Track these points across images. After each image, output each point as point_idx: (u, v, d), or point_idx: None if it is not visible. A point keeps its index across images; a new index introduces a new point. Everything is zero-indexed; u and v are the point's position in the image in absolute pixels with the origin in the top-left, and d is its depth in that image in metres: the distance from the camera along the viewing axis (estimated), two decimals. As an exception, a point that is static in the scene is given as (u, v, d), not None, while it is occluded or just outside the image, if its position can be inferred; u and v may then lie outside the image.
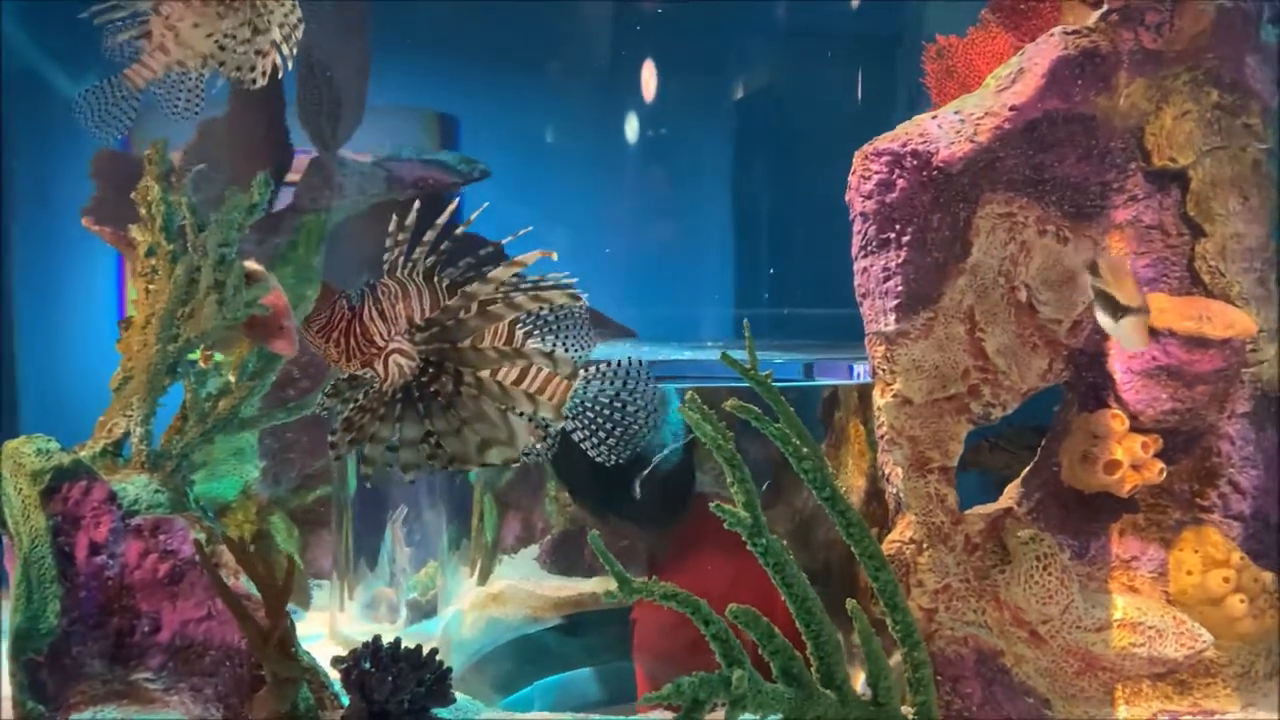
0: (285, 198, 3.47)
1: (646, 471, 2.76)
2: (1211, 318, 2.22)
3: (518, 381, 1.77)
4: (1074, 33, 2.20)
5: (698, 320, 4.11)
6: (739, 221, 4.20)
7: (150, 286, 2.21)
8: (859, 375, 2.79)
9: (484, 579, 3.05)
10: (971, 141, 2.18)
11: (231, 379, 2.29)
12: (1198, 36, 2.24)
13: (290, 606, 3.20)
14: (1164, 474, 2.24)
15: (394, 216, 1.75)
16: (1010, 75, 2.22)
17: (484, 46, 3.93)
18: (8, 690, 1.96)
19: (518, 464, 1.78)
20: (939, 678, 2.22)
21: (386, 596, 3.07)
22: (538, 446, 1.82)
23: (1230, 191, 2.29)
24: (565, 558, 3.10)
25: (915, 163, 2.19)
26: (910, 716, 1.95)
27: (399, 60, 3.83)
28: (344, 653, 1.89)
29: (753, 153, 4.16)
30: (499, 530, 3.10)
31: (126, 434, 2.16)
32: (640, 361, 1.86)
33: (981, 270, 2.25)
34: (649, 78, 3.85)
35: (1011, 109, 2.19)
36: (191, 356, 2.26)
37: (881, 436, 2.26)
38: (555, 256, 1.68)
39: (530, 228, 1.79)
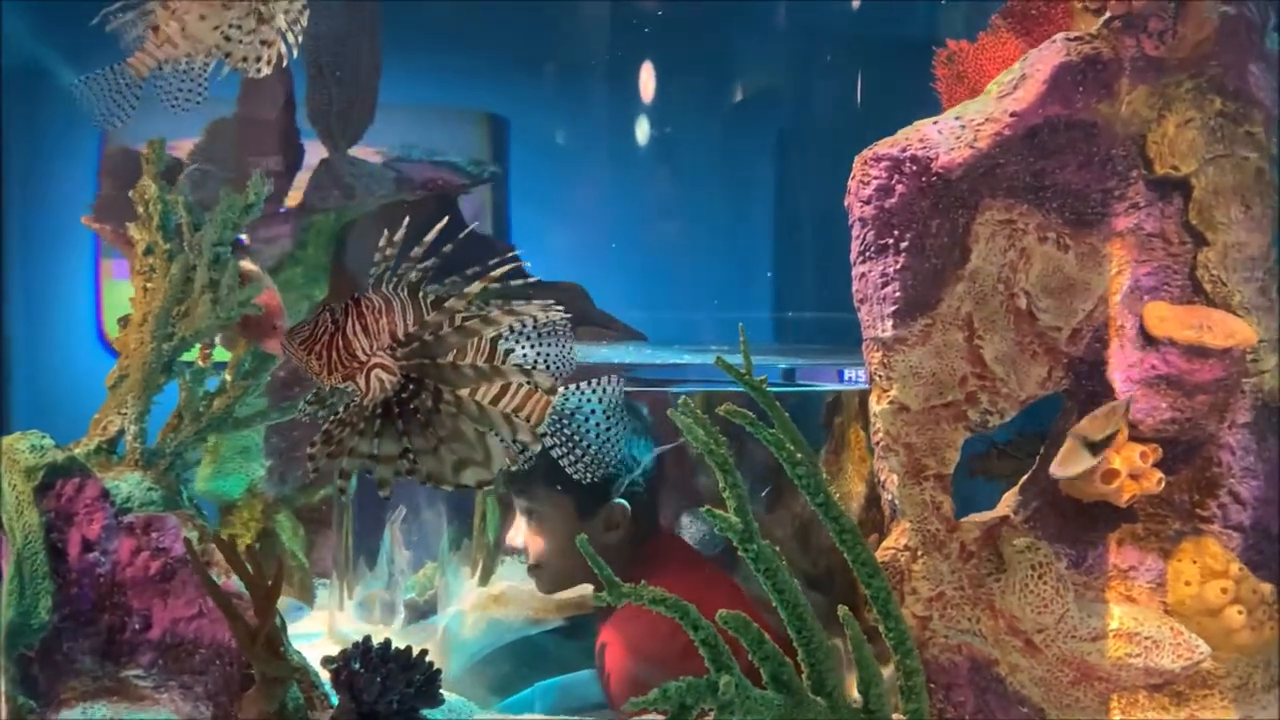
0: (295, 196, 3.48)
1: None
2: (1212, 327, 2.20)
3: (499, 396, 1.77)
4: (1076, 39, 2.20)
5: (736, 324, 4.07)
6: (780, 224, 4.17)
7: (148, 285, 2.22)
8: (851, 380, 2.78)
9: (485, 580, 3.06)
10: (971, 147, 2.17)
11: (227, 378, 2.30)
12: (1201, 44, 2.23)
13: (296, 603, 3.24)
14: (1163, 484, 2.22)
15: (384, 231, 1.75)
16: (1012, 81, 2.21)
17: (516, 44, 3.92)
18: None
19: (491, 487, 1.78)
20: (932, 685, 2.21)
21: (379, 597, 3.08)
22: (513, 469, 1.82)
23: (1232, 200, 2.27)
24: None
25: (914, 168, 2.18)
26: (902, 724, 1.94)
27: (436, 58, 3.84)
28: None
29: (795, 155, 4.13)
30: (501, 532, 3.10)
31: (121, 432, 2.17)
32: (617, 380, 1.86)
33: (980, 277, 2.24)
34: (650, 79, 3.85)
35: (1012, 115, 2.18)
36: (189, 356, 2.27)
37: (877, 443, 2.25)
38: (527, 264, 1.68)
39: (517, 250, 1.79)
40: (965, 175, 2.19)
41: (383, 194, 3.52)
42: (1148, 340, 2.24)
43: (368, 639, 1.86)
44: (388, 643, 1.85)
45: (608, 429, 1.84)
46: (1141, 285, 2.28)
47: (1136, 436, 2.25)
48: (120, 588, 2.02)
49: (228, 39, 2.07)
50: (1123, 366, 2.26)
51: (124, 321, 2.27)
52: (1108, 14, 2.21)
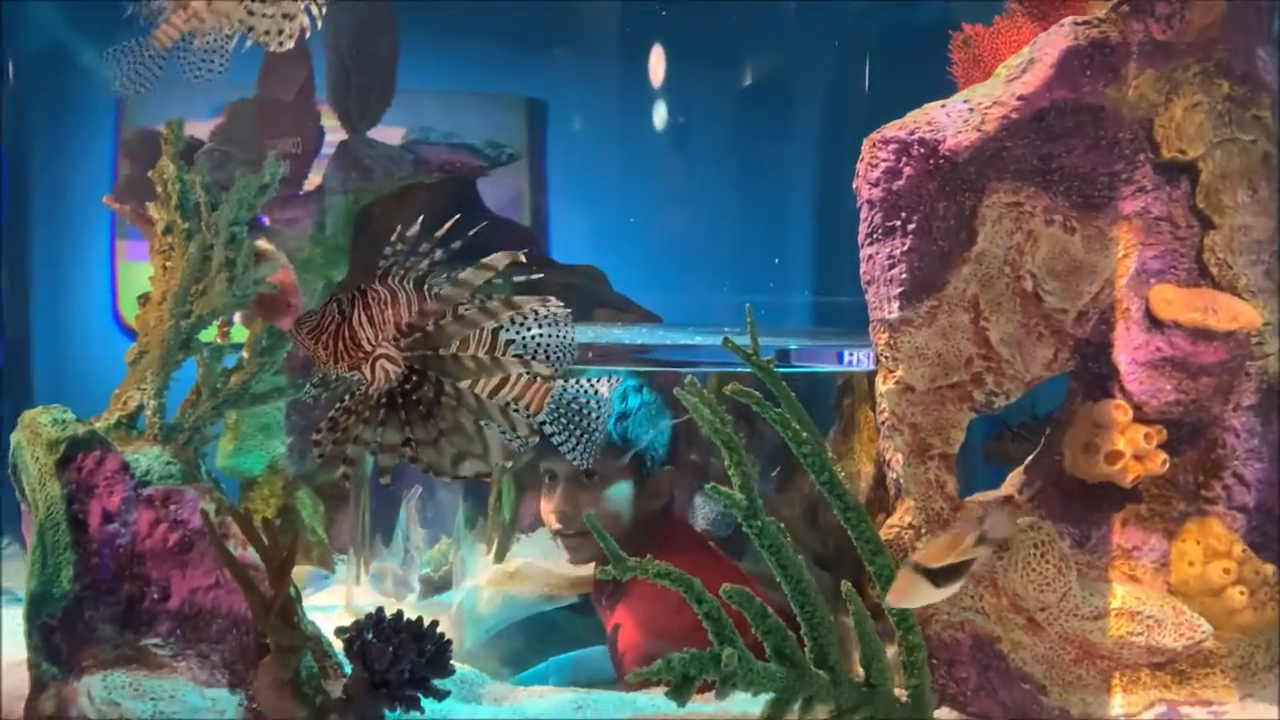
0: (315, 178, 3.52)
1: None
2: (1217, 310, 2.21)
3: (500, 385, 1.81)
4: (1084, 23, 2.20)
5: (783, 308, 4.06)
6: (821, 209, 4.16)
7: (167, 263, 2.26)
8: (851, 363, 2.80)
9: (501, 556, 3.10)
10: (979, 130, 2.19)
11: (244, 355, 2.34)
12: (1208, 28, 2.24)
13: (320, 571, 3.28)
14: (1167, 465, 2.24)
15: (399, 227, 1.79)
16: (1020, 65, 2.23)
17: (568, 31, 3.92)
18: (22, 653, 2.03)
19: (489, 478, 1.82)
20: (934, 661, 2.24)
21: (391, 571, 3.12)
22: (507, 465, 1.86)
23: (1240, 184, 2.28)
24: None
25: (922, 151, 2.20)
26: (904, 699, 1.97)
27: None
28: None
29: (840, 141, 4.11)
30: (516, 510, 3.14)
31: (141, 407, 2.21)
32: (613, 378, 1.91)
33: (987, 259, 2.26)
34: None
35: (1020, 99, 2.19)
36: (208, 334, 2.31)
37: (883, 422, 2.28)
38: (524, 259, 1.71)
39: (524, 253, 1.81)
40: (973, 158, 2.21)
41: (401, 176, 3.54)
42: (1153, 323, 2.26)
43: (380, 610, 1.90)
44: (400, 614, 1.89)
45: (598, 418, 1.89)
46: (1148, 268, 2.30)
47: (1141, 418, 2.27)
48: (139, 558, 2.07)
49: (251, 13, 2.10)
50: (1128, 348, 2.27)
51: (144, 299, 2.31)
52: (1116, -2, 2.22)
